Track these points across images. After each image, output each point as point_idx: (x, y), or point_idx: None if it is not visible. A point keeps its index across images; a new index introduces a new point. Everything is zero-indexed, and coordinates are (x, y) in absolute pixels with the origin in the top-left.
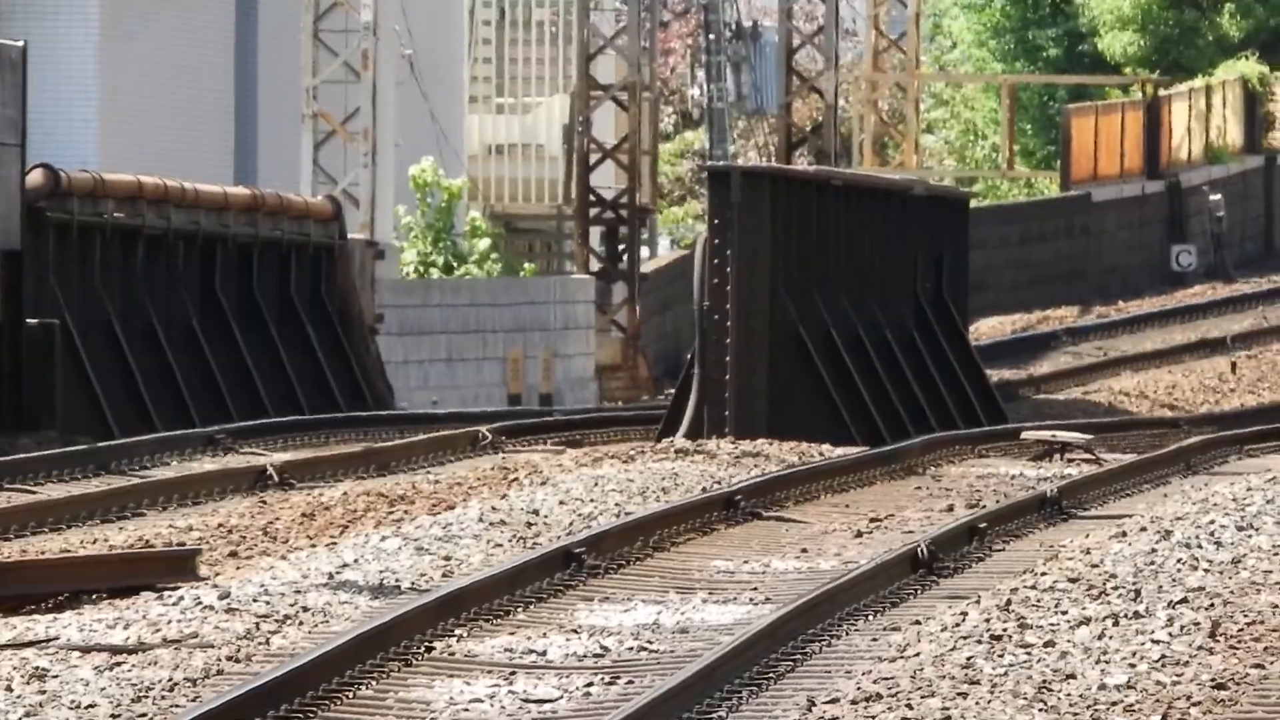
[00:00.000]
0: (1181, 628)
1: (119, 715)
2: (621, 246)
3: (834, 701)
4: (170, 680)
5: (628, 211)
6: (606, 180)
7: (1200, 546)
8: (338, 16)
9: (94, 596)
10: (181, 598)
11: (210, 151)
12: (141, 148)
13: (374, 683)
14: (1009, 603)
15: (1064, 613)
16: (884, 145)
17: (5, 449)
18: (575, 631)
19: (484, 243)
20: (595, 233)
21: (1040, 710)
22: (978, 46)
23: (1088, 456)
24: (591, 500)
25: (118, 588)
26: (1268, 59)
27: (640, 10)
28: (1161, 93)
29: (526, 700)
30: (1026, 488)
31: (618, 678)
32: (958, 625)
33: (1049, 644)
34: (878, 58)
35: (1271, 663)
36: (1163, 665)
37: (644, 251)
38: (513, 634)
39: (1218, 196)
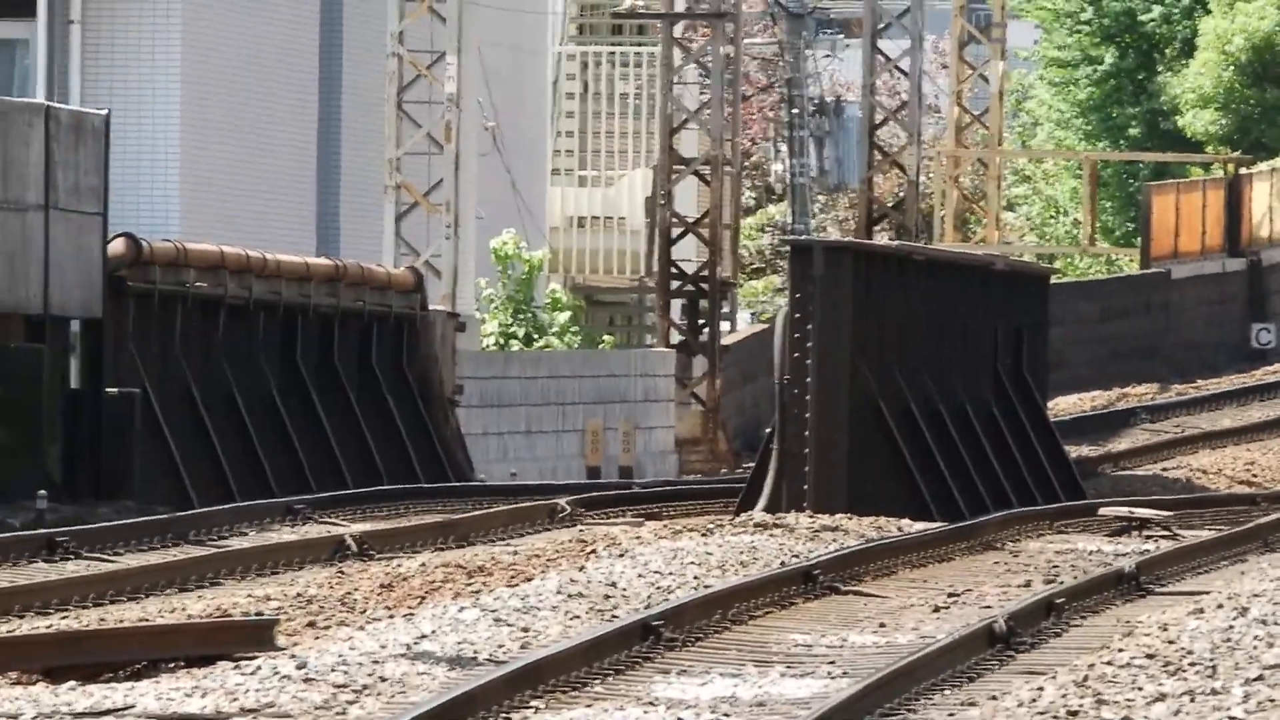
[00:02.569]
0: (1258, 704)
1: None
2: (702, 320)
3: None
4: None
5: (708, 285)
6: (688, 253)
7: (1278, 623)
8: (421, 88)
9: (171, 665)
10: (259, 667)
11: (292, 222)
12: (223, 218)
13: None
14: (1085, 679)
15: (1140, 689)
16: (965, 221)
17: (85, 518)
18: (652, 704)
19: (564, 315)
20: (676, 305)
21: None
22: (1061, 126)
23: (1165, 533)
24: (670, 573)
25: (195, 656)
26: None
27: (723, 85)
28: (1243, 171)
29: None
30: (1104, 564)
31: None
32: (1034, 701)
33: None
34: (960, 134)
35: None
36: None
37: (724, 325)
38: (589, 706)
39: None
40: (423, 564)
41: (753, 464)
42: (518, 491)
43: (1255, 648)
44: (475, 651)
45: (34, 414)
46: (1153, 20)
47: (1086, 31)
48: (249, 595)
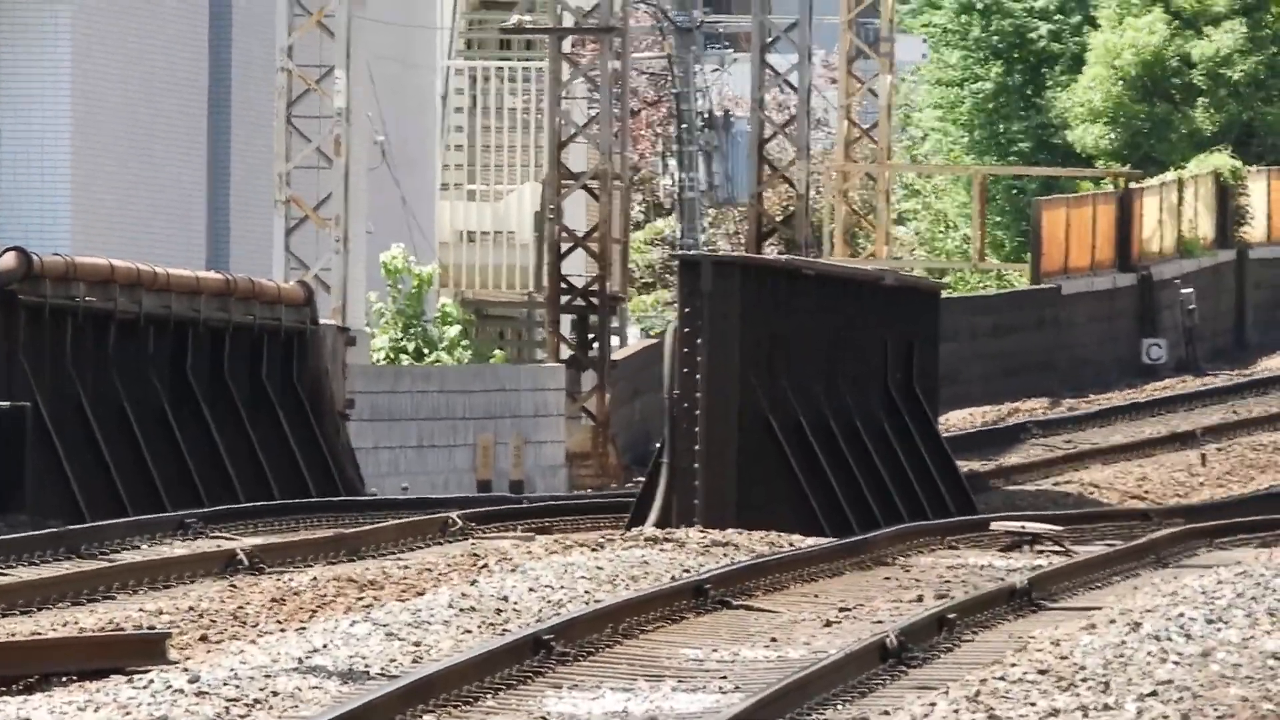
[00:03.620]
0: None
1: None
2: (591, 335)
3: None
4: None
5: (598, 299)
6: (577, 268)
7: (1170, 639)
8: (311, 102)
9: (64, 679)
10: (151, 681)
11: (182, 236)
12: (114, 232)
13: None
14: (978, 694)
15: (1033, 704)
16: (855, 235)
17: None
18: (544, 718)
19: (454, 329)
20: (566, 320)
21: None
22: (948, 141)
23: (1057, 548)
24: (561, 587)
25: (88, 670)
26: (1240, 153)
27: (611, 99)
28: (1133, 186)
29: None
30: (996, 579)
31: None
32: (926, 716)
33: None
34: (849, 148)
35: None
36: None
37: (614, 339)
38: None
39: (1189, 290)
40: (314, 578)
41: (643, 478)
42: (409, 505)
43: (1148, 663)
44: (367, 666)
45: None
46: (1042, 38)
47: (975, 49)
48: (141, 609)
